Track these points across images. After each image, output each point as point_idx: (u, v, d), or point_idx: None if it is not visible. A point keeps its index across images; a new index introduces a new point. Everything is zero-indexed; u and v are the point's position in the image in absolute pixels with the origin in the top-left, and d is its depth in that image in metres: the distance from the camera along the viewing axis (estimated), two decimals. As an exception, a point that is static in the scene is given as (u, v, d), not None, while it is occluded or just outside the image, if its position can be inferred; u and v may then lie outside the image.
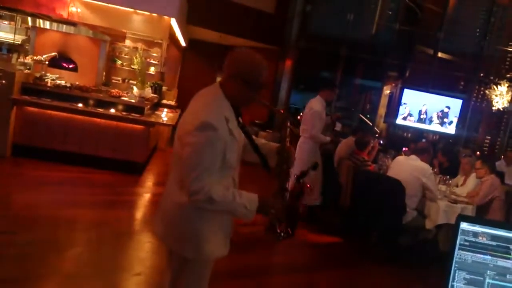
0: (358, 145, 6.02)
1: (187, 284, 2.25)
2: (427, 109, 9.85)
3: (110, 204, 5.70)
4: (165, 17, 6.78)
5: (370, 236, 5.88)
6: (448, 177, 6.01)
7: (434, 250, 5.33)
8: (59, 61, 9.26)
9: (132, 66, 9.96)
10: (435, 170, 6.41)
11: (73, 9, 6.57)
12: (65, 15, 6.51)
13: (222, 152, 2.07)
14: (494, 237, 1.61)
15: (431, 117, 9.89)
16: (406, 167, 5.35)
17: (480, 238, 1.62)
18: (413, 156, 5.43)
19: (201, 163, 2.01)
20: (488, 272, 1.61)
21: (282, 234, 2.31)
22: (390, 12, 11.32)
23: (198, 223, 2.15)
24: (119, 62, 11.02)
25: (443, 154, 6.72)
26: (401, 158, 5.69)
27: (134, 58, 8.91)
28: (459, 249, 1.63)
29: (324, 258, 5.23)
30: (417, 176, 5.22)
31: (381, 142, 6.80)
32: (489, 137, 12.85)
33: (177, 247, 2.21)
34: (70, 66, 9.56)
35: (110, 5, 6.56)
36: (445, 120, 10.02)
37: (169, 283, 2.33)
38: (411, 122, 9.90)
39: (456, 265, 1.63)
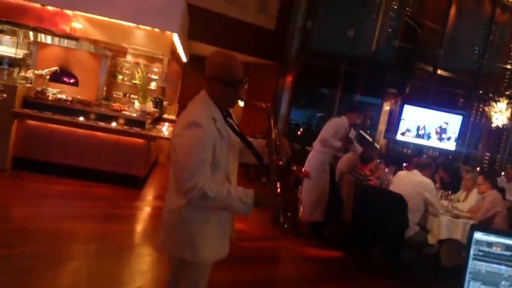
0: (362, 160, 6.03)
1: (186, 287, 2.27)
2: (425, 125, 9.87)
3: (110, 217, 5.65)
4: (167, 32, 6.81)
5: (372, 251, 5.84)
6: (450, 192, 6.00)
7: (436, 265, 5.30)
8: (60, 76, 9.29)
9: (133, 81, 9.99)
10: (437, 185, 6.40)
11: (75, 24, 6.59)
12: (67, 29, 6.53)
13: (211, 150, 2.12)
14: (508, 247, 1.59)
15: (429, 133, 9.90)
16: (408, 181, 5.34)
17: (494, 248, 1.59)
18: (415, 171, 5.43)
19: (192, 161, 2.06)
20: (503, 282, 1.59)
21: (286, 224, 2.28)
22: (390, 30, 11.42)
23: (194, 225, 2.18)
24: (120, 77, 11.05)
25: (444, 170, 6.72)
26: (403, 173, 5.69)
27: (136, 72, 8.94)
28: (473, 259, 1.61)
29: (326, 272, 5.18)
30: (419, 191, 5.21)
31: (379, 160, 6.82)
32: (488, 154, 12.87)
33: (175, 251, 2.25)
34: (71, 81, 9.58)
35: (112, 19, 6.58)
36: (444, 136, 10.03)
37: (167, 286, 2.36)
38: (410, 138, 9.90)
39: (470, 276, 1.61)
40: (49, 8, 6.48)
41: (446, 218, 5.29)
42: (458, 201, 6.30)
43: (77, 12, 6.53)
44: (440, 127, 9.86)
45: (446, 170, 6.77)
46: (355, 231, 5.75)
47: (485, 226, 5.39)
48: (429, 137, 9.98)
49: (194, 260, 2.21)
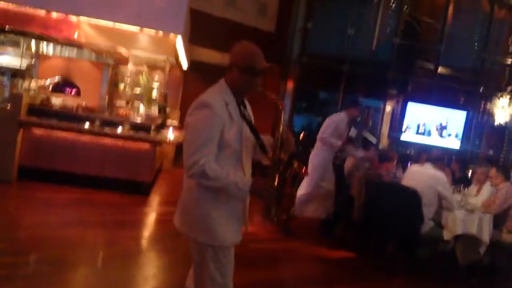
0: (380, 158, 5.96)
1: (208, 271, 2.25)
2: (425, 122, 9.83)
3: (118, 223, 5.57)
4: (171, 35, 6.77)
5: (385, 248, 5.76)
6: (462, 185, 5.94)
7: (452, 262, 5.23)
8: (62, 86, 9.26)
9: (136, 89, 9.96)
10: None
11: (80, 30, 6.56)
12: (72, 36, 6.50)
13: (219, 130, 2.15)
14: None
15: (430, 130, 9.85)
16: (421, 176, 5.27)
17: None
18: (427, 165, 5.36)
19: (197, 139, 2.11)
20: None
21: (276, 217, 2.44)
22: (389, 28, 11.42)
23: (205, 205, 2.21)
24: (122, 86, 11.03)
25: (456, 161, 6.66)
26: (415, 168, 5.62)
27: (140, 77, 8.91)
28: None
29: (340, 272, 5.09)
30: (432, 184, 5.14)
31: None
32: (491, 152, 12.76)
33: (191, 233, 2.26)
34: (73, 91, 9.55)
35: (116, 23, 6.55)
36: (444, 132, 9.97)
37: (191, 273, 2.38)
38: (410, 135, 9.85)
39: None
40: (54, 15, 6.44)
41: (461, 213, 5.21)
42: (470, 195, 6.23)
43: (81, 18, 6.48)
44: (441, 124, 9.81)
45: (458, 161, 6.71)
46: (367, 229, 5.68)
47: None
48: (429, 134, 9.93)
49: (211, 242, 2.22)
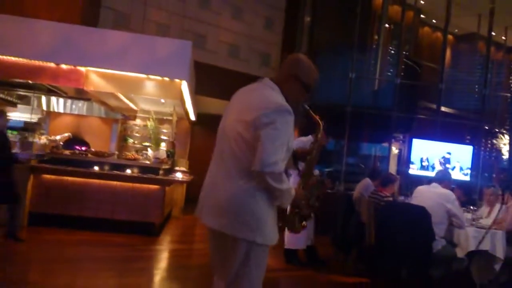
0: (383, 182, 5.99)
1: (255, 271, 2.24)
2: (428, 157, 9.84)
3: (130, 259, 5.56)
4: (176, 81, 7.04)
5: (399, 272, 5.64)
6: (471, 207, 5.90)
7: (468, 281, 5.11)
8: (72, 144, 9.49)
9: (145, 143, 10.21)
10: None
11: (88, 79, 6.84)
12: (81, 85, 6.78)
13: (289, 137, 2.22)
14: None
15: (433, 164, 9.83)
16: (429, 194, 5.26)
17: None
18: (434, 184, 5.36)
19: (279, 140, 2.13)
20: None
21: (297, 226, 2.50)
22: (390, 69, 11.75)
23: (264, 206, 2.21)
24: (130, 140, 11.30)
25: (458, 187, 6.64)
26: (422, 187, 5.61)
27: (148, 121, 9.15)
28: None
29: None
30: (441, 202, 5.11)
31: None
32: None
33: (243, 233, 2.19)
34: (83, 149, 9.79)
35: (123, 72, 6.84)
36: (448, 165, 9.93)
37: (229, 276, 2.27)
38: (414, 170, 9.83)
39: None
40: (63, 66, 6.76)
41: (473, 229, 5.17)
42: (481, 218, 6.17)
43: (90, 68, 6.79)
44: (444, 157, 9.81)
45: (460, 187, 6.68)
46: (380, 255, 5.59)
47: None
48: (433, 168, 9.89)
49: (262, 242, 2.22)
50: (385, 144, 11.71)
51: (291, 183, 5.78)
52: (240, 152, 2.21)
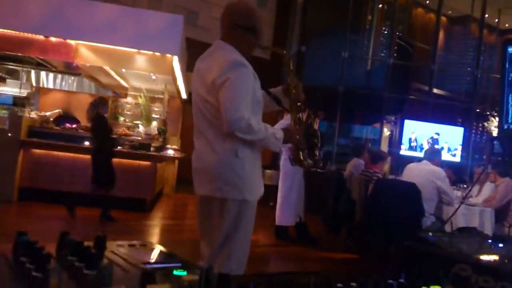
0: (373, 159, 6.01)
1: (245, 228, 2.26)
2: (416, 137, 9.85)
3: (118, 232, 5.55)
4: (168, 56, 6.96)
5: (388, 249, 5.69)
6: (461, 185, 5.95)
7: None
8: (63, 121, 9.38)
9: (136, 121, 10.12)
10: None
11: (78, 53, 6.74)
12: (71, 59, 6.68)
13: (253, 88, 2.21)
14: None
15: (422, 144, 9.86)
16: (419, 172, 5.30)
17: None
18: (424, 161, 5.40)
19: (238, 96, 2.13)
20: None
21: (307, 160, 2.47)
22: (383, 50, 11.71)
23: (249, 164, 2.24)
24: (121, 118, 11.20)
25: (448, 167, 6.69)
26: (413, 165, 5.64)
27: (139, 97, 9.07)
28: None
29: (345, 269, 5.05)
30: (431, 179, 5.16)
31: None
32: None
33: (236, 194, 2.22)
34: (74, 126, 9.69)
35: (114, 46, 6.74)
36: (436, 146, 9.98)
37: (219, 240, 2.26)
38: (404, 150, 9.87)
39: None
40: (53, 39, 6.64)
41: (462, 206, 5.21)
42: (471, 196, 6.22)
43: (79, 42, 6.68)
44: (432, 137, 9.82)
45: (450, 168, 6.74)
46: (369, 230, 5.64)
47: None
48: (421, 148, 9.91)
49: (252, 198, 2.26)
50: (377, 125, 11.74)
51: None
52: (211, 117, 2.23)
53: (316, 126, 2.75)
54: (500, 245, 2.73)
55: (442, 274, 1.28)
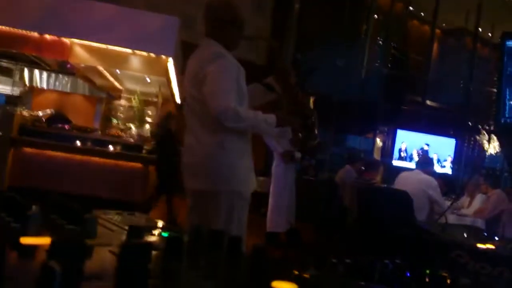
0: (368, 167, 6.02)
1: (239, 220, 2.27)
2: (406, 147, 9.90)
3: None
4: (163, 57, 6.93)
5: (380, 255, 5.69)
6: (453, 196, 5.97)
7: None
8: (55, 121, 9.29)
9: (129, 124, 10.05)
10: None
11: (73, 52, 6.70)
12: (65, 57, 6.64)
13: (237, 78, 2.23)
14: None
15: (411, 154, 9.91)
16: (411, 180, 5.30)
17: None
18: (417, 170, 5.41)
19: (222, 86, 2.17)
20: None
21: (309, 142, 2.62)
22: (378, 59, 11.79)
23: (235, 155, 2.27)
24: (115, 121, 11.12)
25: (440, 177, 6.70)
26: (405, 173, 5.65)
27: (133, 98, 9.02)
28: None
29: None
30: (423, 188, 5.17)
31: None
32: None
33: (225, 186, 2.25)
34: (66, 127, 9.60)
35: (108, 46, 6.70)
36: (426, 157, 10.03)
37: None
38: (394, 160, 9.90)
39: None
40: (47, 37, 6.59)
41: (453, 217, 5.23)
42: (462, 207, 6.24)
43: (74, 40, 6.63)
44: (422, 148, 9.87)
45: (441, 177, 6.76)
46: (361, 237, 5.62)
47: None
48: (411, 159, 9.96)
49: (241, 189, 2.28)
50: (370, 136, 11.78)
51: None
52: (198, 111, 2.27)
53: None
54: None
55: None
